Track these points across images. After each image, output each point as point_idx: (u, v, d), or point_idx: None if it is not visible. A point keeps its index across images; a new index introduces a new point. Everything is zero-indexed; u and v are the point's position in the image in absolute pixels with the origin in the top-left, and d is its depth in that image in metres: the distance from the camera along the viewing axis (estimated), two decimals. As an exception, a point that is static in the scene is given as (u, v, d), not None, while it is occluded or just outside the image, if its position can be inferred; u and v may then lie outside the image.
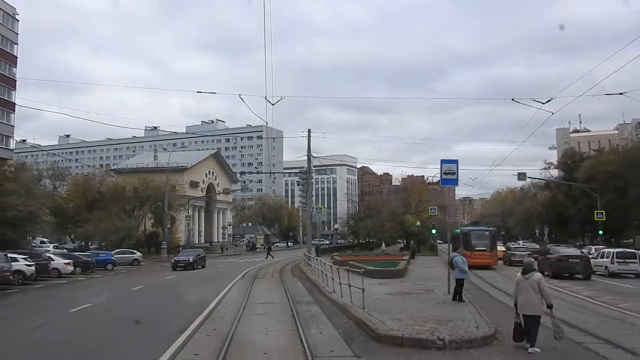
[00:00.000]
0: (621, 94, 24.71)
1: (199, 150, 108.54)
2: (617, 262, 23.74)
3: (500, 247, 37.68)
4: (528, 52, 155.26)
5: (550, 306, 8.33)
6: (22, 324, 11.88)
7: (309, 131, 34.74)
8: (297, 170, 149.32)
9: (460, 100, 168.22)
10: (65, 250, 37.11)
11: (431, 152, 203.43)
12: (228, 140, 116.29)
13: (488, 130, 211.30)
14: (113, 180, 58.35)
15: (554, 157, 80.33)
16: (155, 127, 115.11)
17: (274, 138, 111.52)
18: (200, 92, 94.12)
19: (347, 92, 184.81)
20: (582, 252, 27.21)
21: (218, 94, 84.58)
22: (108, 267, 31.86)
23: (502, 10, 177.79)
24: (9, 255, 21.54)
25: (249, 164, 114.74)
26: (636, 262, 23.57)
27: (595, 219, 38.72)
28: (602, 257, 25.11)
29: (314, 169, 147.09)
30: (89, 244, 46.22)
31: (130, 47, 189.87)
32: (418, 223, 48.78)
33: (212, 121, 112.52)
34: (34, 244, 38.77)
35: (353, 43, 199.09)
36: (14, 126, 48.58)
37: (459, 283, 13.26)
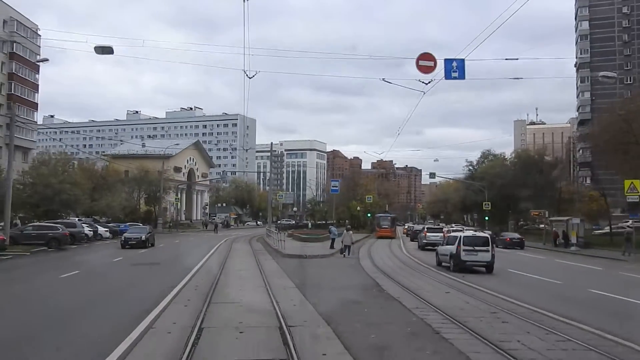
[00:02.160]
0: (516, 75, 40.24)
1: (178, 135, 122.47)
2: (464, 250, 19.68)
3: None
4: (499, 39, 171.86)
5: (349, 246, 23.99)
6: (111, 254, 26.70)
7: (272, 144, 49.42)
8: (268, 153, 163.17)
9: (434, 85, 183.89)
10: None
11: (402, 136, 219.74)
12: (205, 126, 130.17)
13: (461, 115, 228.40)
14: (112, 165, 72.05)
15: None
16: (137, 112, 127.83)
17: (247, 126, 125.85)
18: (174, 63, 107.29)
19: (321, 74, 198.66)
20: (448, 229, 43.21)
21: (192, 69, 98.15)
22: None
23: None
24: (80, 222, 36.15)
25: (224, 149, 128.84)
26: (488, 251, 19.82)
27: (483, 208, 55.08)
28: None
29: (285, 152, 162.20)
30: (100, 219, 60.36)
31: (101, 21, 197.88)
32: (358, 208, 64.69)
33: (191, 108, 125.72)
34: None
35: (327, 26, 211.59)
36: (36, 122, 61.85)
37: (332, 240, 28.94)
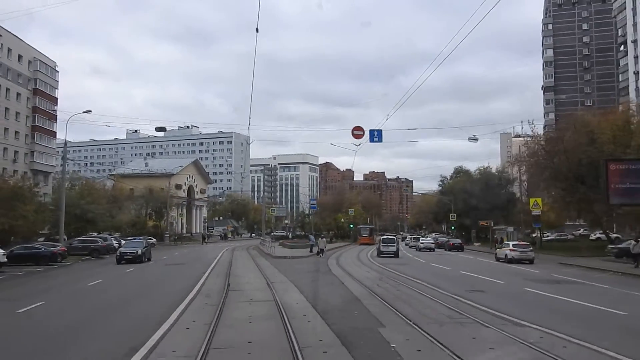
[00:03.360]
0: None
1: (176, 152, 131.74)
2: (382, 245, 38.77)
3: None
4: (489, 51, 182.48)
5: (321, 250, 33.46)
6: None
7: (264, 168, 58.72)
8: (262, 167, 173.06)
9: (425, 97, 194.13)
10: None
11: (396, 147, 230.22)
12: (202, 144, 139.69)
13: (452, 126, 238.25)
14: (120, 184, 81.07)
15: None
16: (136, 131, 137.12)
17: (241, 143, 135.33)
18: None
19: (314, 85, 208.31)
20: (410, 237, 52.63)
21: (184, 80, 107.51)
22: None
23: (463, 11, 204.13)
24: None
25: (220, 165, 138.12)
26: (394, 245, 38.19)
27: (450, 219, 64.56)
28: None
29: (278, 166, 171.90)
30: (112, 234, 69.36)
31: (93, 35, 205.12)
32: (342, 220, 74.08)
33: (188, 127, 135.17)
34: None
35: (320, 38, 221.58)
36: (55, 149, 70.93)
37: (311, 246, 38.30)
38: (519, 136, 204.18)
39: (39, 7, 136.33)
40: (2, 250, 27.06)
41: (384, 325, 10.38)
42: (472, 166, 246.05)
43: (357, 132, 24.09)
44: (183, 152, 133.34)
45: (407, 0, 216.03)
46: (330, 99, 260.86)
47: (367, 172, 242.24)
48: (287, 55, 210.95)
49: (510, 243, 34.56)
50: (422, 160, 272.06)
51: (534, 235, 51.14)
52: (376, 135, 24.48)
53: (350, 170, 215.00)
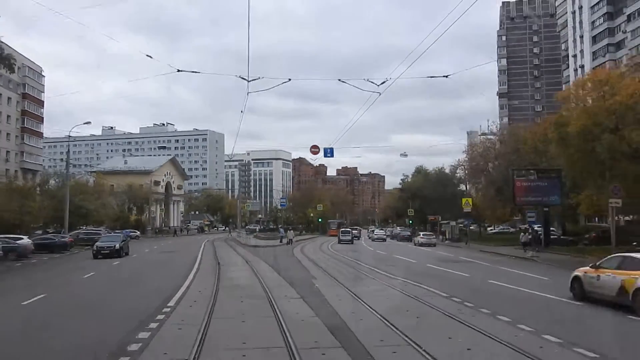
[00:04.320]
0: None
1: (151, 148, 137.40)
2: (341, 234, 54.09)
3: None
4: (459, 50, 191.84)
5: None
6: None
7: (239, 163, 65.99)
8: (236, 163, 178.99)
9: (398, 93, 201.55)
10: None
11: (370, 142, 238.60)
12: (177, 140, 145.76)
13: (426, 122, 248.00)
14: (101, 180, 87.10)
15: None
16: (112, 127, 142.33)
17: (216, 140, 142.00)
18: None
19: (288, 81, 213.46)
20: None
21: (155, 74, 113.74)
22: (128, 239, 62.21)
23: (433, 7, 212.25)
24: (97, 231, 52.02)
25: (196, 162, 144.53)
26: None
27: (408, 214, 73.23)
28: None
29: (252, 161, 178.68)
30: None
31: (61, 26, 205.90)
32: (312, 214, 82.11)
33: (163, 124, 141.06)
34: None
35: (294, 33, 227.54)
36: (42, 149, 76.74)
37: (281, 237, 46.16)
38: (485, 134, 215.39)
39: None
40: (29, 240, 33.97)
41: (316, 278, 18.31)
42: (444, 160, 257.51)
43: (314, 149, 31.88)
44: (159, 148, 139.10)
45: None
46: (303, 94, 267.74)
47: (340, 168, 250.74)
48: (261, 50, 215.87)
49: (422, 233, 49.87)
50: (395, 156, 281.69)
51: (471, 227, 59.86)
52: (329, 152, 32.25)
53: (323, 165, 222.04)
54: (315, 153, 31.63)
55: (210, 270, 21.44)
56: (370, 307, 11.74)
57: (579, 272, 14.50)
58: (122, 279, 20.17)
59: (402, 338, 8.56)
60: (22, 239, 33.90)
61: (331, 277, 18.56)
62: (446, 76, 22.96)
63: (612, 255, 14.74)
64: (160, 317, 10.64)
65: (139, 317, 10.45)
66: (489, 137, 58.03)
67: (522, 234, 36.38)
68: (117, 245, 31.11)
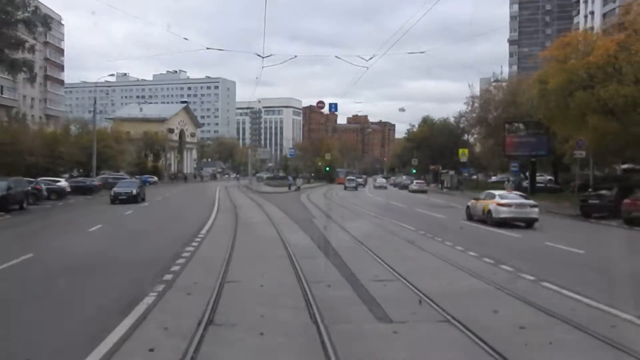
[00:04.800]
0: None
1: (165, 95, 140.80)
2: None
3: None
4: None
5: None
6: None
7: (249, 109, 69.51)
8: (247, 110, 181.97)
9: (411, 37, 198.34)
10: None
11: (381, 89, 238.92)
12: (189, 88, 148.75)
13: (439, 68, 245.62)
14: (116, 127, 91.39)
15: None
16: (125, 74, 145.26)
17: (227, 88, 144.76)
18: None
19: (297, 24, 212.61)
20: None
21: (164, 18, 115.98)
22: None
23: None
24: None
25: (208, 109, 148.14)
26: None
27: (412, 163, 77.11)
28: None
29: (263, 109, 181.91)
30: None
31: None
32: (320, 163, 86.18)
33: (176, 71, 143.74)
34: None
35: None
36: (64, 96, 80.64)
37: (290, 184, 50.47)
38: (498, 81, 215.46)
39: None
40: (67, 183, 38.54)
41: (315, 217, 22.60)
42: (458, 107, 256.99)
43: (320, 104, 35.57)
44: (172, 95, 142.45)
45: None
46: (314, 38, 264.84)
47: (351, 116, 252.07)
48: None
49: (415, 181, 55.66)
50: (407, 102, 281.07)
51: (474, 176, 63.58)
52: (333, 107, 35.93)
53: (334, 113, 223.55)
54: (320, 108, 35.23)
55: (229, 211, 25.74)
56: (350, 234, 15.97)
57: (469, 202, 23.10)
58: (162, 216, 24.58)
59: (368, 253, 12.69)
60: (60, 181, 38.50)
61: (328, 216, 22.74)
62: (422, 52, 26.04)
63: (484, 192, 23.72)
64: (198, 239, 14.85)
65: (183, 240, 14.59)
66: (490, 88, 60.78)
67: (505, 182, 40.18)
68: (134, 191, 31.77)
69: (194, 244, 13.71)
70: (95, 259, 11.78)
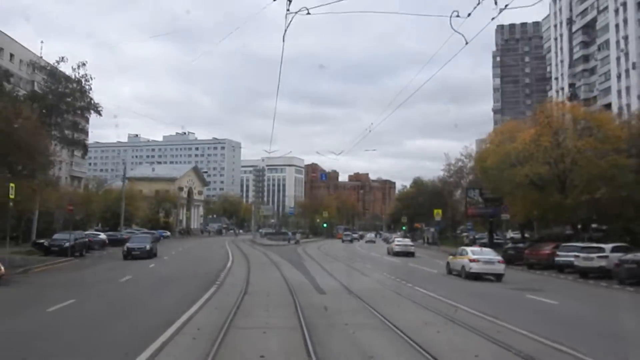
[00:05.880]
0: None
1: (173, 155, 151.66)
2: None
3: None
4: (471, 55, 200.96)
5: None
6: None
7: (255, 170, 79.23)
8: (251, 168, 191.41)
9: (413, 97, 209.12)
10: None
11: (383, 146, 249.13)
12: (197, 148, 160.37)
13: (439, 127, 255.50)
14: (132, 185, 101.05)
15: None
16: (137, 135, 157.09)
17: (233, 147, 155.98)
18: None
19: (300, 84, 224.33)
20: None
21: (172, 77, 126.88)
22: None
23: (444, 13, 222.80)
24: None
25: (214, 168, 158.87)
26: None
27: (402, 221, 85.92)
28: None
29: (266, 167, 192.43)
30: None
31: (79, 29, 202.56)
32: (318, 220, 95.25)
33: (185, 133, 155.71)
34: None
35: (306, 37, 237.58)
36: (86, 159, 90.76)
37: (289, 239, 59.36)
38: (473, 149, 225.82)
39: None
40: (105, 235, 47.45)
41: (305, 260, 31.55)
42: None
43: (313, 175, 44.89)
44: (180, 155, 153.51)
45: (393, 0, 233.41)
46: (316, 98, 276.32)
47: (352, 174, 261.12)
48: (273, 54, 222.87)
49: (396, 239, 51.12)
50: (407, 160, 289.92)
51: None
52: (324, 176, 45.26)
53: (335, 171, 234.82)
54: (314, 178, 44.51)
55: (242, 258, 34.60)
56: (328, 272, 24.90)
57: (448, 259, 27.30)
58: (189, 262, 33.36)
59: (339, 284, 21.31)
60: (100, 234, 47.42)
61: (314, 261, 31.61)
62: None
63: (460, 248, 27.95)
64: (222, 275, 23.54)
65: (211, 278, 23.13)
66: (462, 157, 70.00)
67: (464, 238, 49.05)
68: (148, 247, 32.02)
69: (219, 280, 22.53)
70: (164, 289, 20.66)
